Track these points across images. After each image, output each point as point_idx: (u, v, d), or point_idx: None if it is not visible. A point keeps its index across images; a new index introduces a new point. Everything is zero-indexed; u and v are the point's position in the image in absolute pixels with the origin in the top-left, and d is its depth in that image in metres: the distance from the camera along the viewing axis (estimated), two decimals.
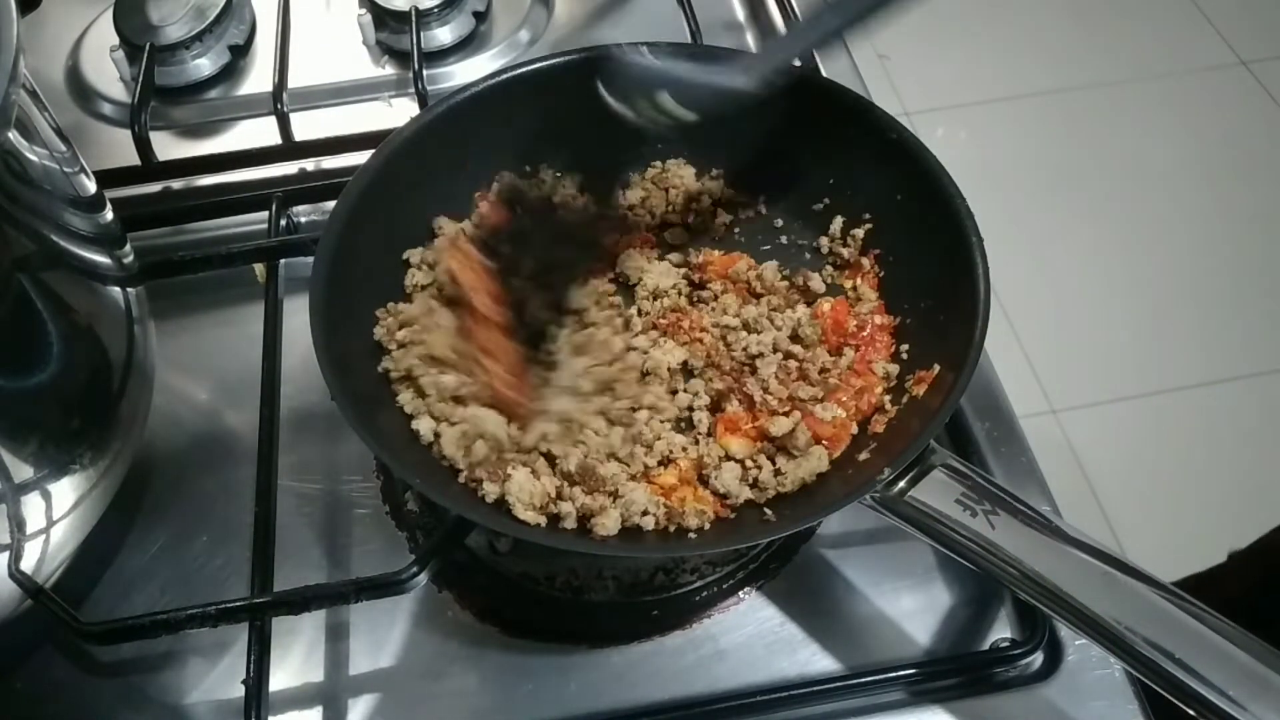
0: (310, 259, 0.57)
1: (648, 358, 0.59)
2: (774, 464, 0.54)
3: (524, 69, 0.65)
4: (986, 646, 0.55)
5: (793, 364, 0.59)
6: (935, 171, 0.59)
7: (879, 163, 0.62)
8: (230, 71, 0.82)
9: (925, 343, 0.58)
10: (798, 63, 0.59)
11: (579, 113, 0.67)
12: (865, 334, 0.60)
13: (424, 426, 0.55)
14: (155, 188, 0.75)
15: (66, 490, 0.50)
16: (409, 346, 0.57)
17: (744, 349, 0.59)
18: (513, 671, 0.54)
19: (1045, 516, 0.47)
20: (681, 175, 0.68)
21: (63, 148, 0.51)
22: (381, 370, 0.58)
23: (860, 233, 0.64)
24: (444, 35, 0.82)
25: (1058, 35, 2.21)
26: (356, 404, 0.52)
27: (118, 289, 0.56)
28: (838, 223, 0.65)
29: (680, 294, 0.63)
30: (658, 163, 0.68)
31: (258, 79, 0.82)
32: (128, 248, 0.58)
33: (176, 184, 0.75)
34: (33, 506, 0.48)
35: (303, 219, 0.73)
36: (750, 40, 0.85)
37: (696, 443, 0.56)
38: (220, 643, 0.55)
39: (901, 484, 0.49)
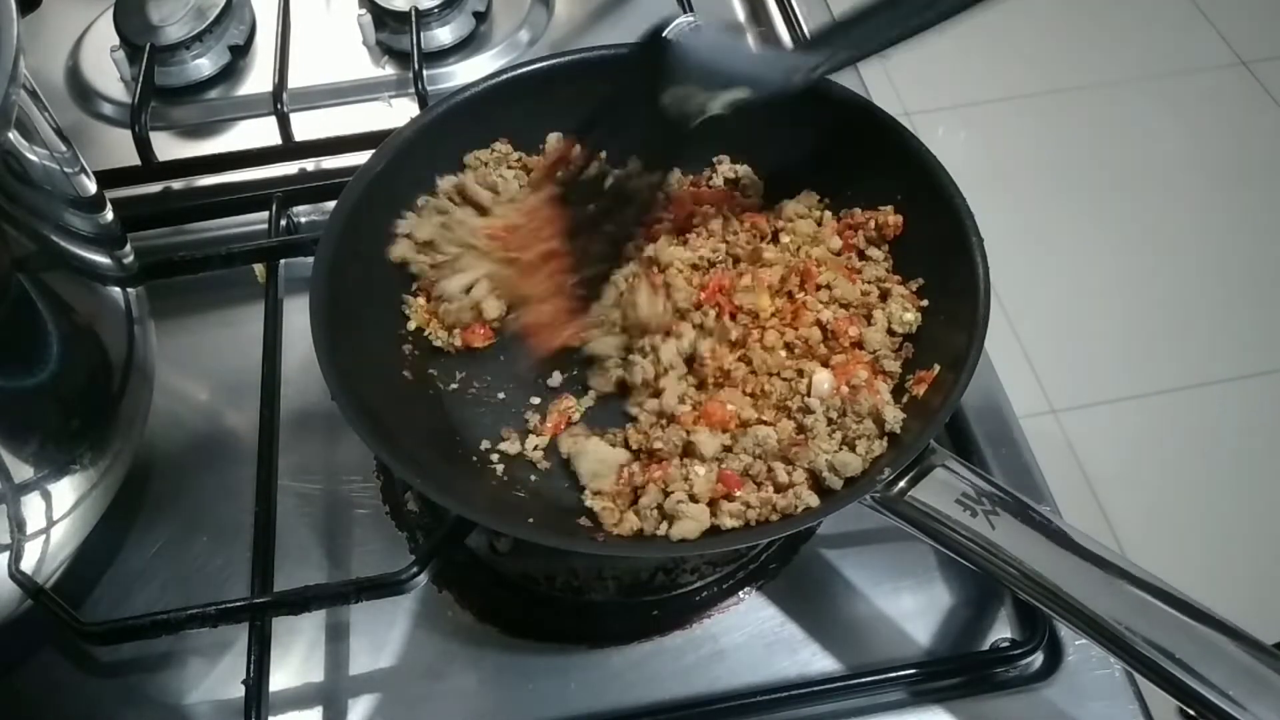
0: (310, 259, 0.57)
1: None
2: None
3: (524, 69, 0.65)
4: (986, 646, 0.55)
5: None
6: (935, 171, 0.59)
7: (878, 162, 0.62)
8: (230, 71, 0.82)
9: (925, 343, 0.58)
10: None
11: (579, 113, 0.67)
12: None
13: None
14: (155, 188, 0.75)
15: (66, 490, 0.50)
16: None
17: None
18: (513, 671, 0.54)
19: (1045, 516, 0.47)
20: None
21: (63, 148, 0.51)
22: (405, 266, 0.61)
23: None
24: (444, 35, 0.82)
25: (1058, 35, 2.21)
26: (357, 404, 0.52)
27: (118, 289, 0.56)
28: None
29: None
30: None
31: (258, 79, 0.82)
32: (128, 248, 0.58)
33: (176, 184, 0.75)
34: (33, 506, 0.48)
35: (303, 219, 0.73)
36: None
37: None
38: (220, 643, 0.55)
39: (901, 484, 0.49)
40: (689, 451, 0.54)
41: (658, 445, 0.55)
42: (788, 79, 0.56)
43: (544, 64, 0.66)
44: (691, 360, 0.59)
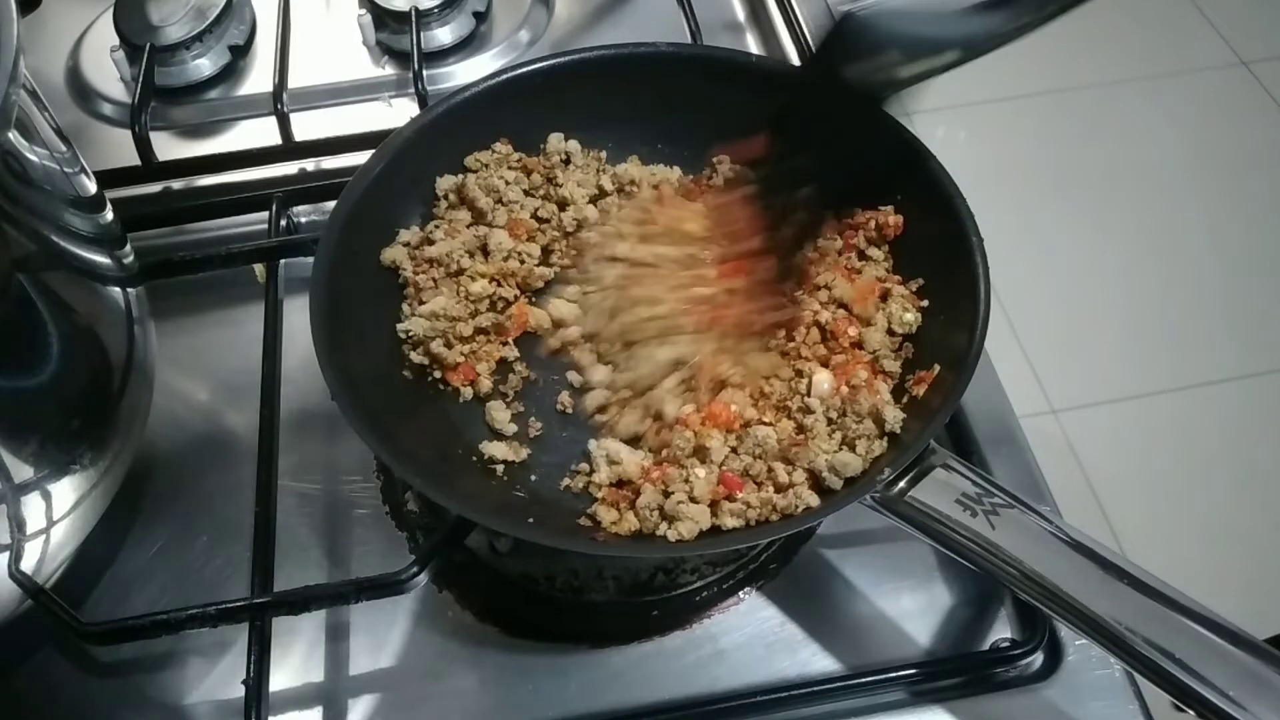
0: (310, 259, 0.57)
1: None
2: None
3: (524, 69, 0.65)
4: (986, 646, 0.55)
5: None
6: (935, 171, 0.59)
7: (878, 162, 0.62)
8: (230, 71, 0.82)
9: (925, 343, 0.58)
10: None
11: (579, 113, 0.67)
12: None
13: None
14: (155, 188, 0.75)
15: (66, 490, 0.50)
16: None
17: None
18: (513, 671, 0.54)
19: (1045, 516, 0.47)
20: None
21: (63, 148, 0.51)
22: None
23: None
24: (444, 35, 0.82)
25: (1058, 35, 2.19)
26: (356, 403, 0.52)
27: (118, 289, 0.56)
28: None
29: None
30: (642, 161, 0.68)
31: (258, 79, 0.82)
32: (128, 248, 0.58)
33: (176, 184, 0.75)
34: (33, 506, 0.48)
35: (303, 219, 0.73)
36: (751, 41, 0.85)
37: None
38: (220, 643, 0.55)
39: (901, 484, 0.49)
40: (697, 453, 0.54)
41: (665, 450, 0.55)
42: (990, 40, 0.53)
43: (544, 64, 0.66)
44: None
